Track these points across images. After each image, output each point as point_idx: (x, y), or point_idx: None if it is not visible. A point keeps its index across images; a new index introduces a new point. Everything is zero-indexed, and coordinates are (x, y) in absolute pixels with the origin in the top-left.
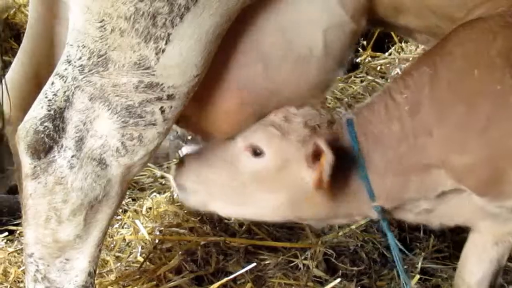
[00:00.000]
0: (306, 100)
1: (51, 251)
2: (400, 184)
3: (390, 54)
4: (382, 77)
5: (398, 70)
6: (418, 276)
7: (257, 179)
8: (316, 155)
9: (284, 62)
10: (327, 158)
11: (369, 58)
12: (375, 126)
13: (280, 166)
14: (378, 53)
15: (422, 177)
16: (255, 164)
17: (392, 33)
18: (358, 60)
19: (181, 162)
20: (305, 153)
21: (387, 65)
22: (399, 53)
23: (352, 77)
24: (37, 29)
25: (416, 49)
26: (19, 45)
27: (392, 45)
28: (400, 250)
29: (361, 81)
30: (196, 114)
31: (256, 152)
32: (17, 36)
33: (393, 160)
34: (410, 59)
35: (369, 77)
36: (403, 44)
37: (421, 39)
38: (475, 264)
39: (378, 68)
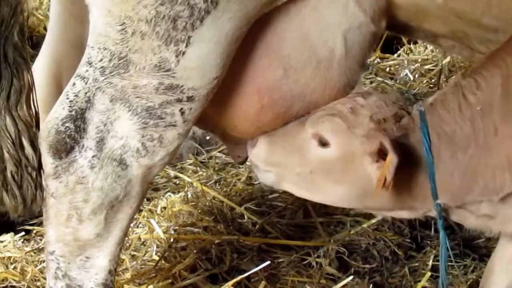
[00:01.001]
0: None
1: (72, 249)
2: (467, 184)
3: (399, 56)
4: (391, 78)
5: (407, 71)
6: (429, 274)
7: (323, 169)
8: (381, 152)
9: (306, 65)
10: (392, 160)
11: (378, 60)
12: (448, 125)
13: (344, 159)
14: (387, 55)
15: (488, 178)
16: (321, 154)
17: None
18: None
19: (256, 141)
20: (370, 150)
21: (396, 67)
22: (408, 54)
23: (362, 78)
24: (57, 31)
25: (424, 50)
26: (32, 48)
27: (401, 47)
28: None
29: (371, 82)
30: (217, 117)
31: (322, 142)
32: (30, 39)
33: (462, 161)
34: (419, 60)
35: (379, 78)
36: (411, 45)
37: (446, 45)
38: (498, 276)
39: (387, 69)
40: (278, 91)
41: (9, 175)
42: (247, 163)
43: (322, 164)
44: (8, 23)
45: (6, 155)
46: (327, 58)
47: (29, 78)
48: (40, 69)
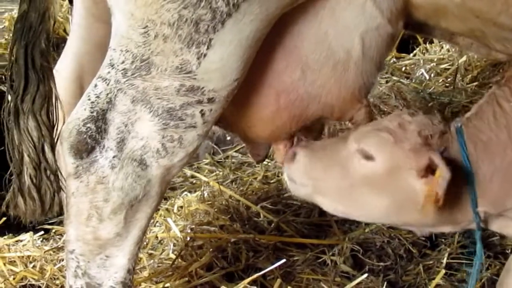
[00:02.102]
0: (349, 105)
1: (92, 248)
2: (506, 190)
3: (414, 55)
4: (407, 78)
5: (422, 70)
6: (443, 271)
7: (366, 183)
8: (429, 168)
9: (323, 66)
10: (443, 174)
11: (394, 59)
12: (484, 133)
13: (389, 173)
14: (403, 54)
15: None
16: (365, 168)
17: (417, 35)
18: None
19: (293, 155)
20: (418, 165)
21: (412, 66)
22: (423, 54)
23: (378, 78)
24: (80, 33)
25: (440, 50)
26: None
27: (417, 46)
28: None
29: (386, 82)
30: (235, 118)
31: (367, 156)
32: None
33: (500, 168)
34: (435, 59)
35: (394, 78)
36: (427, 45)
37: (464, 44)
38: None
39: (403, 69)
40: (295, 92)
41: (27, 178)
42: (264, 162)
43: (365, 177)
44: (36, 29)
45: (26, 158)
46: (344, 59)
47: (53, 83)
48: (64, 70)
